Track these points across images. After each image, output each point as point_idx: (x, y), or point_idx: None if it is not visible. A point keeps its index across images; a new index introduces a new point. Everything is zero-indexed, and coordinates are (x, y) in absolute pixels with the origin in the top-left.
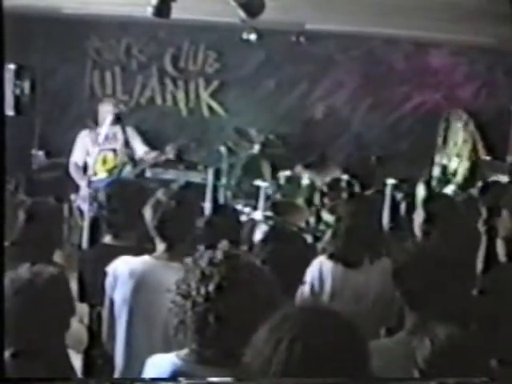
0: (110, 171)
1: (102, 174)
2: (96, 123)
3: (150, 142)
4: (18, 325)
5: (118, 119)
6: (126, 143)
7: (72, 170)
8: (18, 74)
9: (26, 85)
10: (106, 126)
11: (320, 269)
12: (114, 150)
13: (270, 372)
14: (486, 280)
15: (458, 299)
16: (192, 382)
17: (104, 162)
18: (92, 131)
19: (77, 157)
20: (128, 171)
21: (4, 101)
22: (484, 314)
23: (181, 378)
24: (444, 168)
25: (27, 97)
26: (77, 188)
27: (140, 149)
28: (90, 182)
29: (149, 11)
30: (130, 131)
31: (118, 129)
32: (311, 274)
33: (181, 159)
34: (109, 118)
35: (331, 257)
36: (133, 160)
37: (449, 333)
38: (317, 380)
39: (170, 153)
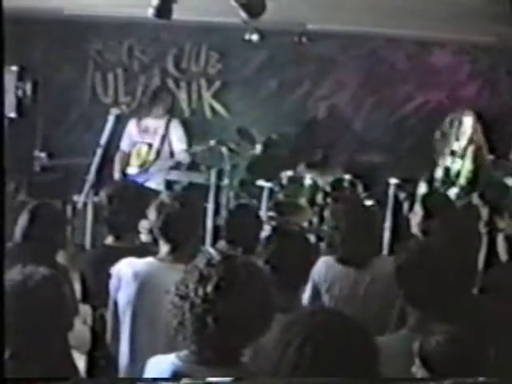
0: (141, 166)
1: (135, 168)
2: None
3: None
4: (11, 326)
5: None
6: (163, 139)
7: (117, 157)
8: (20, 76)
9: (28, 86)
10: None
11: (324, 269)
12: (150, 145)
13: (279, 375)
14: (486, 279)
15: (460, 298)
16: (192, 382)
17: (138, 155)
18: (139, 121)
19: (124, 145)
20: (155, 168)
21: (4, 103)
22: (485, 312)
23: (182, 378)
24: (447, 170)
25: (29, 98)
26: (80, 188)
27: (178, 146)
28: (123, 174)
29: (150, 12)
30: (174, 125)
31: (161, 122)
32: (315, 274)
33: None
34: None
35: (336, 258)
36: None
37: (452, 331)
38: (320, 380)
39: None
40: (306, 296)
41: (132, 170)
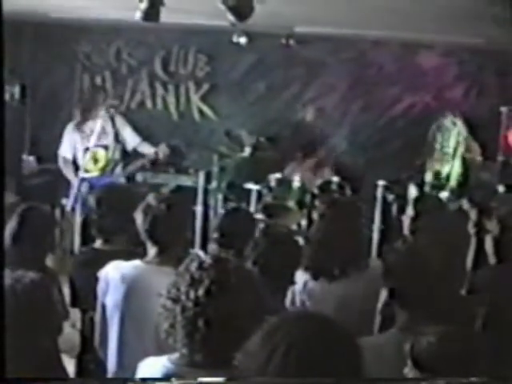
0: (102, 170)
1: (94, 173)
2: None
3: None
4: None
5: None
6: (117, 137)
7: (61, 164)
8: (8, 79)
9: (16, 89)
10: (96, 128)
11: (306, 275)
12: (106, 147)
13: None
14: (474, 280)
15: (447, 298)
16: (183, 383)
17: (95, 160)
18: (79, 125)
19: (65, 151)
20: (120, 170)
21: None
22: (472, 312)
23: (173, 379)
24: (437, 173)
25: (17, 102)
26: (67, 192)
27: (132, 140)
28: (82, 181)
29: (138, 15)
30: (120, 121)
31: (106, 121)
32: (297, 277)
33: (172, 163)
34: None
35: (310, 273)
36: (125, 157)
37: (442, 331)
38: (310, 380)
39: (162, 151)
40: (288, 301)
41: (91, 175)
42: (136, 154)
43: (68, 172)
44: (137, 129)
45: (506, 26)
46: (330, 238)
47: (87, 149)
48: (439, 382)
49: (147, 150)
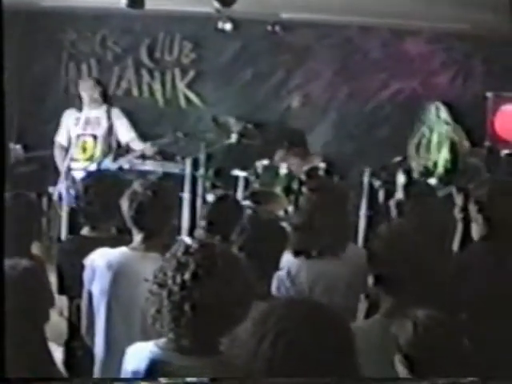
0: (88, 160)
1: (81, 163)
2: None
3: None
4: None
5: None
6: (110, 130)
7: (56, 151)
8: None
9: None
10: (85, 108)
11: (291, 260)
12: (95, 137)
13: (256, 365)
14: (460, 263)
15: (432, 282)
16: (171, 382)
17: (84, 149)
18: (77, 111)
19: (61, 137)
20: (108, 163)
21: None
22: (458, 295)
23: (160, 379)
24: (425, 160)
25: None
26: (55, 180)
27: (125, 135)
28: (69, 170)
29: (123, 2)
30: (116, 114)
31: (102, 112)
32: (282, 263)
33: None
34: (87, 99)
35: (297, 252)
36: (117, 149)
37: (429, 315)
38: (299, 380)
39: (148, 151)
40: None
41: (78, 164)
42: (128, 148)
43: (60, 159)
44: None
45: (501, 12)
46: (315, 221)
47: (78, 136)
48: (439, 382)
49: (137, 146)
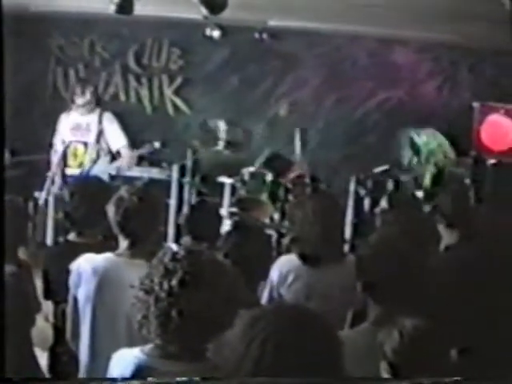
0: (79, 167)
1: (72, 169)
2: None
3: None
4: None
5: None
6: (100, 135)
7: (52, 154)
8: None
9: None
10: (76, 113)
11: (287, 268)
12: (85, 144)
13: (243, 369)
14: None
15: (420, 290)
16: (159, 382)
17: (75, 155)
18: (68, 117)
19: (57, 141)
20: (97, 169)
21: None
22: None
23: (149, 378)
24: (412, 172)
25: None
26: (42, 185)
27: (116, 142)
28: (58, 175)
29: (111, 8)
30: (108, 119)
31: (93, 118)
32: (274, 273)
33: (145, 157)
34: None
35: (299, 256)
36: (107, 155)
37: (415, 324)
38: (286, 380)
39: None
40: (264, 295)
41: (69, 170)
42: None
43: (55, 163)
44: None
45: (501, 24)
46: (310, 230)
47: (70, 142)
48: (421, 383)
49: (124, 153)
